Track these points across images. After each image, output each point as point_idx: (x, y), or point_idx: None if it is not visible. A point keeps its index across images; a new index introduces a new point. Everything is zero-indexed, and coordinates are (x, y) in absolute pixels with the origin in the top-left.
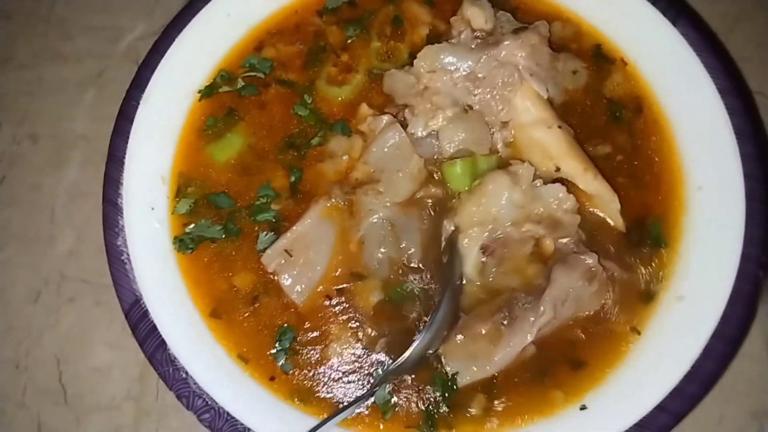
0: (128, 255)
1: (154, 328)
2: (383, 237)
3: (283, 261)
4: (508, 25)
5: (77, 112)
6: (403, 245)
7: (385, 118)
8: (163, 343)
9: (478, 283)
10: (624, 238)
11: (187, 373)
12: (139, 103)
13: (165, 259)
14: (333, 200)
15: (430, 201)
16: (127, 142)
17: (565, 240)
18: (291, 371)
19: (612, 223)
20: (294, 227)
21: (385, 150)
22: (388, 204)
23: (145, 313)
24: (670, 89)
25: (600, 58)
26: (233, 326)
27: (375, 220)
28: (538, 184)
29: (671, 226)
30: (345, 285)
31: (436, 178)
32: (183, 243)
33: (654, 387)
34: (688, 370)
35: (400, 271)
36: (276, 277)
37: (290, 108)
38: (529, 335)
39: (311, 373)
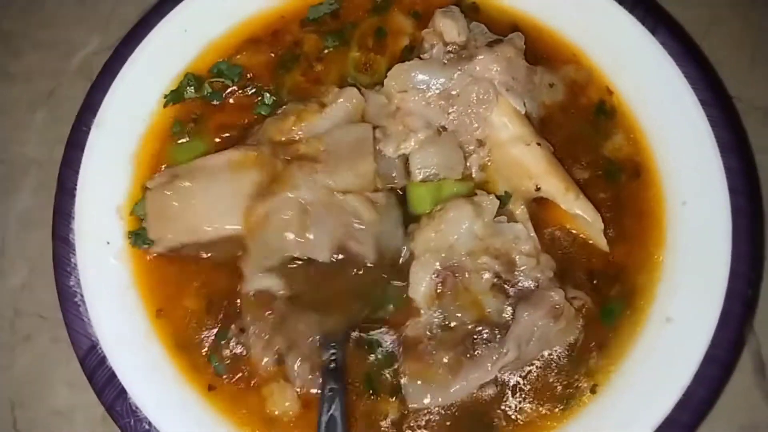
0: (82, 296)
1: (113, 375)
2: (290, 220)
3: (163, 180)
4: (482, 38)
5: (28, 135)
6: (310, 237)
7: (352, 91)
8: (123, 391)
9: (435, 312)
10: (606, 259)
11: (150, 423)
12: (90, 129)
13: (123, 297)
14: (256, 153)
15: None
16: (77, 172)
17: (531, 274)
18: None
19: (595, 243)
20: (195, 161)
21: (347, 139)
22: (316, 185)
23: (103, 360)
24: (650, 100)
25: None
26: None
27: (292, 196)
28: (503, 220)
29: (654, 243)
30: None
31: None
32: (139, 237)
33: (646, 417)
34: (680, 398)
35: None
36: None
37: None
38: (489, 373)
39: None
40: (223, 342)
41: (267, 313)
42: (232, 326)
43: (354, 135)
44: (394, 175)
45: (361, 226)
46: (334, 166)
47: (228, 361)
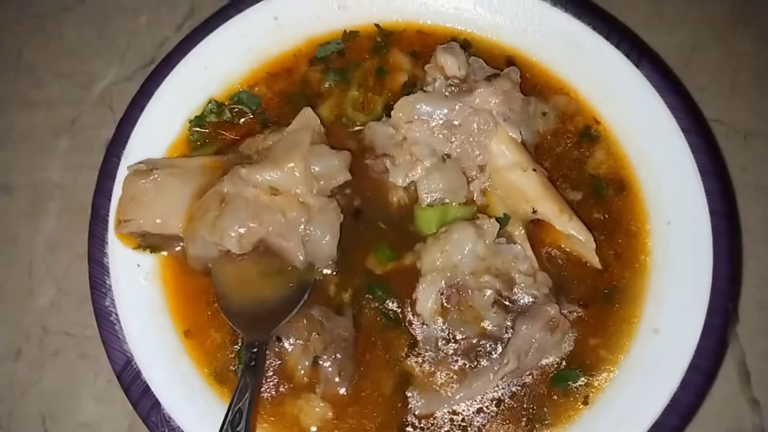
0: (117, 315)
1: (148, 388)
2: (209, 209)
3: (143, 167)
4: (481, 72)
5: (52, 161)
6: (220, 225)
7: (307, 111)
8: (157, 403)
9: (440, 327)
10: (598, 275)
11: None
12: (120, 160)
13: (154, 315)
14: (222, 159)
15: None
16: (110, 200)
17: (529, 291)
18: None
19: (588, 261)
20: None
21: (286, 140)
22: (241, 181)
23: (138, 374)
24: (635, 128)
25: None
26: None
27: (215, 189)
28: (503, 242)
29: (642, 260)
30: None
31: (305, 201)
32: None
33: (636, 421)
34: (667, 402)
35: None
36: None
37: None
38: (491, 383)
39: None
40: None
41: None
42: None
43: (293, 137)
44: (338, 175)
45: (285, 223)
46: (265, 162)
47: None
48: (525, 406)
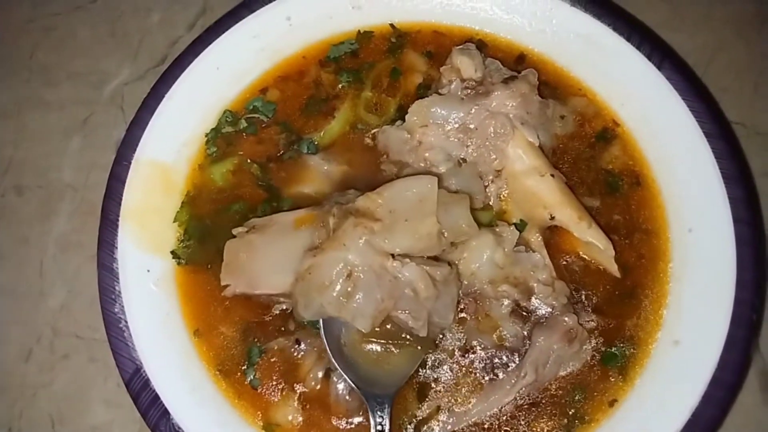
0: (126, 322)
1: (157, 397)
2: (334, 281)
3: (244, 230)
4: (497, 74)
5: (63, 161)
6: (353, 305)
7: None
8: (166, 412)
9: (458, 337)
10: (617, 284)
11: None
12: (130, 163)
13: (164, 322)
14: (318, 210)
15: (410, 295)
16: (120, 204)
17: (547, 301)
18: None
19: (607, 269)
20: (274, 215)
21: (407, 193)
22: (369, 249)
23: (147, 382)
24: (656, 131)
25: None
26: (239, 385)
27: (336, 257)
28: (522, 250)
29: (662, 269)
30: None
31: (433, 271)
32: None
33: None
34: (688, 418)
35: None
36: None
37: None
38: (508, 395)
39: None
40: (258, 359)
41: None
42: (280, 339)
43: (416, 189)
44: (463, 226)
45: (416, 300)
46: (391, 225)
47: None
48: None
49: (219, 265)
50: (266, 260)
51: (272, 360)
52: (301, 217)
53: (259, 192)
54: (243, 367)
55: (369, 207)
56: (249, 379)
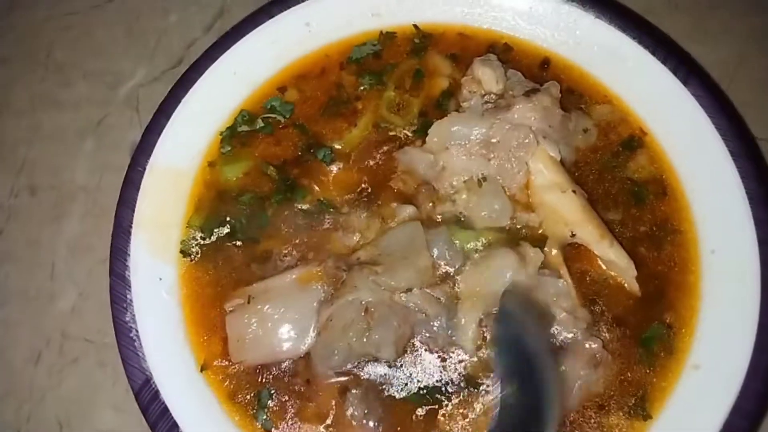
0: (137, 331)
1: (166, 409)
2: (353, 321)
3: (240, 302)
4: (519, 86)
5: (77, 162)
6: (375, 337)
7: (409, 209)
8: (175, 425)
9: (477, 356)
10: (638, 302)
11: None
12: (145, 169)
13: (175, 332)
14: (320, 268)
15: (421, 317)
16: (133, 211)
17: (569, 328)
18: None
19: (628, 288)
20: (267, 280)
21: (399, 238)
22: (378, 287)
23: (156, 394)
24: (680, 147)
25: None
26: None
27: (351, 299)
28: (546, 273)
29: (683, 289)
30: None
31: (435, 293)
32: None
33: None
34: None
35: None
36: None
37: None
38: None
39: None
40: (270, 402)
41: None
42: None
43: (406, 234)
44: (449, 256)
45: (428, 320)
46: (392, 264)
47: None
48: None
49: (227, 265)
50: (283, 325)
51: (284, 400)
52: (304, 276)
53: (271, 185)
54: (253, 411)
55: (369, 256)
56: (261, 422)
